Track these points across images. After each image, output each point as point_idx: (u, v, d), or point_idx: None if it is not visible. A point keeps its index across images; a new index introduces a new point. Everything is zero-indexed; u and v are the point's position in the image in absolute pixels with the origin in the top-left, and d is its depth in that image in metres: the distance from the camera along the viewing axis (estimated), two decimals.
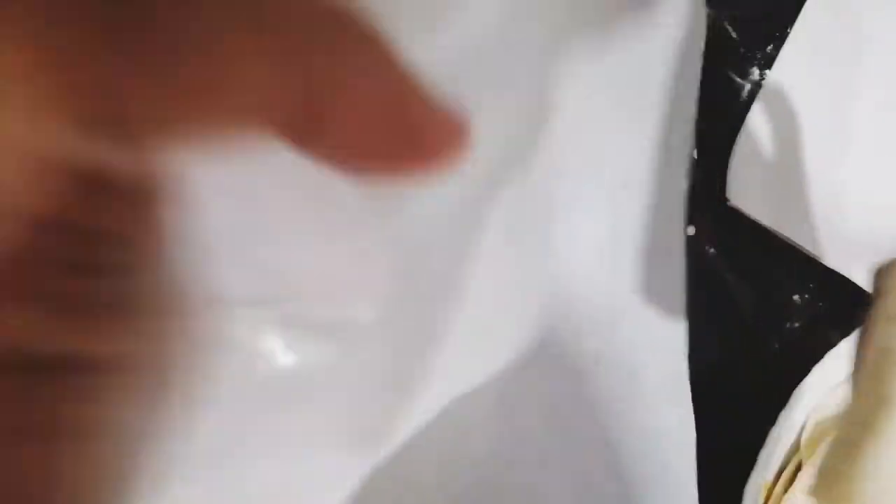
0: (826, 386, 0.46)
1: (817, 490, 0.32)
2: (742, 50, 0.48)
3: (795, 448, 0.45)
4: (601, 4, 0.37)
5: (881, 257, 0.47)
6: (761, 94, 0.47)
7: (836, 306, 0.49)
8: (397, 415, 0.34)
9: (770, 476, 0.45)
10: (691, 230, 0.44)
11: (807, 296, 0.49)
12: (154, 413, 0.13)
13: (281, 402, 0.29)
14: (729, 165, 0.46)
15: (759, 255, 0.49)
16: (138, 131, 0.12)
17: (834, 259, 0.46)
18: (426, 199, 0.29)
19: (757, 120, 0.46)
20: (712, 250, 0.48)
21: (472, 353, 0.36)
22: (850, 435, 0.30)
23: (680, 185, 0.41)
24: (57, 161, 0.11)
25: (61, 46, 0.11)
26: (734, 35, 0.48)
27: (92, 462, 0.12)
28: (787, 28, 0.47)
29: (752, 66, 0.48)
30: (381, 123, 0.13)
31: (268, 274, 0.27)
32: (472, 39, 0.29)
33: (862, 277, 0.46)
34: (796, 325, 0.49)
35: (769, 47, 0.48)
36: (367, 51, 0.13)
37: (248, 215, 0.25)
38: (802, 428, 0.45)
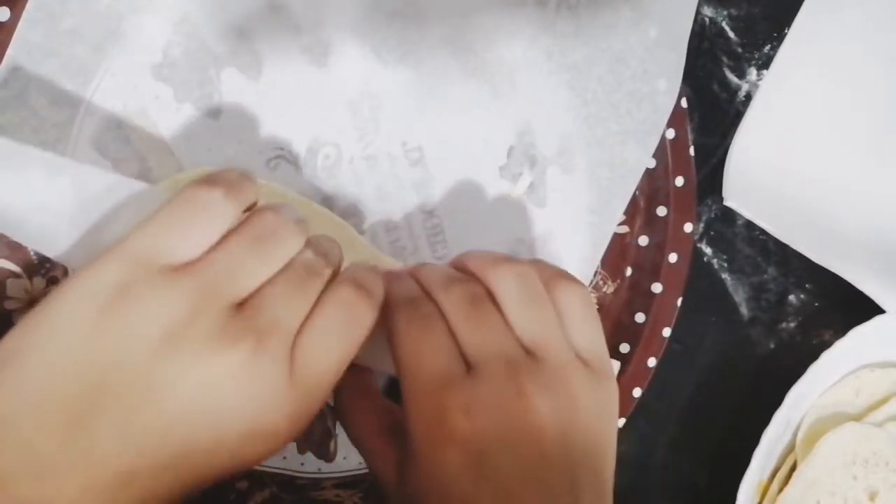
0: (821, 386, 0.46)
1: None
2: (740, 50, 0.48)
3: (791, 448, 0.46)
4: None
5: (877, 258, 0.48)
6: (758, 94, 0.47)
7: (832, 307, 0.49)
8: None
9: (765, 476, 0.45)
10: (689, 227, 0.44)
11: (802, 296, 0.49)
12: None
13: None
14: (726, 166, 0.46)
15: (755, 256, 0.49)
16: None
17: (830, 259, 0.46)
18: None
19: (754, 120, 0.46)
20: (709, 250, 0.49)
21: None
22: None
23: None
24: None
25: None
26: (732, 35, 0.48)
27: None
28: (784, 28, 0.47)
29: (750, 66, 0.48)
30: None
31: None
32: None
33: (857, 278, 0.46)
34: (792, 324, 0.49)
35: (767, 48, 0.48)
36: None
37: None
38: (798, 428, 0.46)
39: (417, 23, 0.39)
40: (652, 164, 0.44)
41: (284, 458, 0.41)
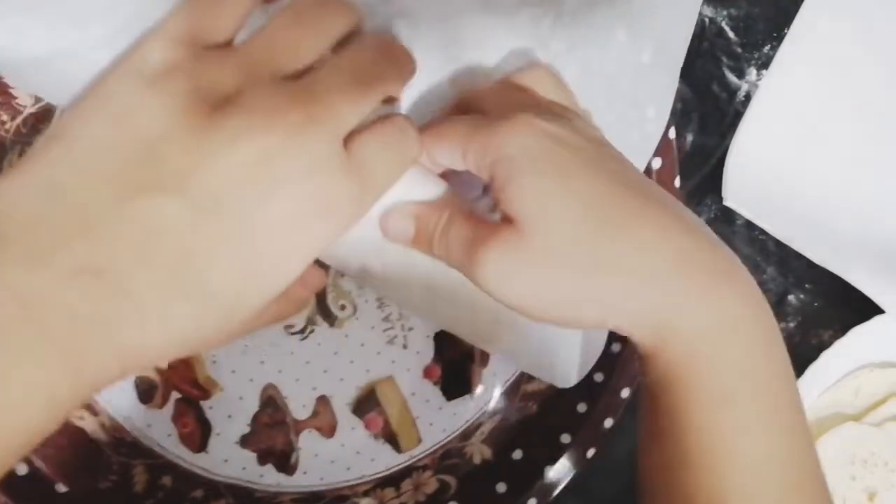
0: (820, 386, 0.46)
1: None
2: (739, 50, 0.48)
3: None
4: None
5: (876, 258, 0.48)
6: (758, 94, 0.47)
7: (831, 307, 0.49)
8: None
9: None
10: None
11: (802, 296, 0.49)
12: None
13: None
14: (725, 165, 0.46)
15: (754, 256, 0.49)
16: None
17: (829, 259, 0.46)
18: None
19: (753, 120, 0.46)
20: None
21: None
22: None
23: None
24: None
25: None
26: (732, 35, 0.48)
27: None
28: (784, 29, 0.47)
29: (750, 66, 0.48)
30: None
31: None
32: None
33: (856, 278, 0.46)
34: (791, 324, 0.49)
35: (767, 48, 0.48)
36: None
37: None
38: None
39: (409, 31, 0.39)
40: None
41: (244, 468, 0.41)
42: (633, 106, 0.42)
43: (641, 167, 0.42)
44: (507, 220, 0.29)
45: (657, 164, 0.43)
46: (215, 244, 0.25)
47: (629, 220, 0.28)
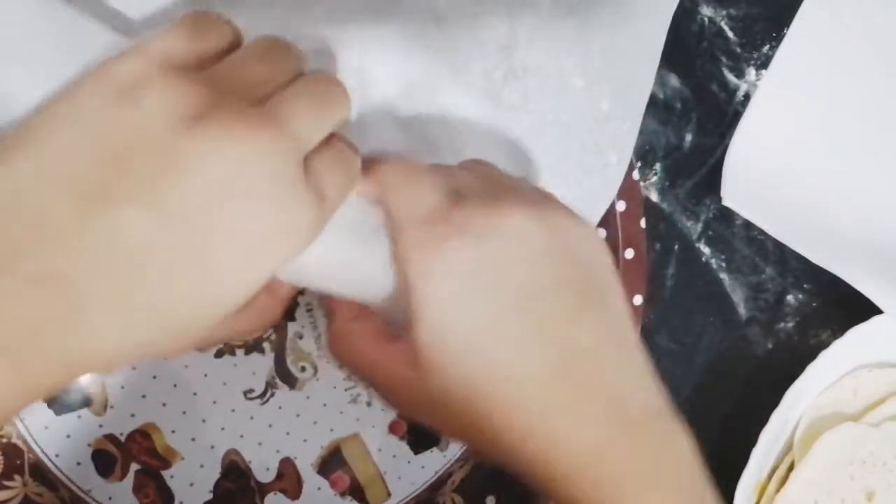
0: (819, 386, 0.46)
1: None
2: (738, 50, 0.48)
3: (788, 447, 0.46)
4: None
5: (876, 258, 0.48)
6: (757, 94, 0.47)
7: (830, 307, 0.49)
8: None
9: (763, 475, 0.45)
10: (638, 300, 0.44)
11: (800, 296, 0.49)
12: None
13: None
14: (724, 165, 0.46)
15: (753, 256, 0.49)
16: None
17: (828, 260, 0.46)
18: None
19: (752, 120, 0.46)
20: (707, 250, 0.49)
21: None
22: None
23: None
24: None
25: None
26: (731, 35, 0.48)
27: None
28: (783, 28, 0.47)
29: (749, 66, 0.48)
30: None
31: None
32: None
33: (855, 278, 0.46)
34: (790, 324, 0.49)
35: (766, 47, 0.48)
36: None
37: None
38: (796, 427, 0.46)
39: (362, 82, 0.37)
40: (601, 234, 0.43)
41: None
42: (594, 153, 0.41)
43: (602, 211, 0.42)
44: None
45: (622, 206, 0.43)
46: (174, 258, 0.25)
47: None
